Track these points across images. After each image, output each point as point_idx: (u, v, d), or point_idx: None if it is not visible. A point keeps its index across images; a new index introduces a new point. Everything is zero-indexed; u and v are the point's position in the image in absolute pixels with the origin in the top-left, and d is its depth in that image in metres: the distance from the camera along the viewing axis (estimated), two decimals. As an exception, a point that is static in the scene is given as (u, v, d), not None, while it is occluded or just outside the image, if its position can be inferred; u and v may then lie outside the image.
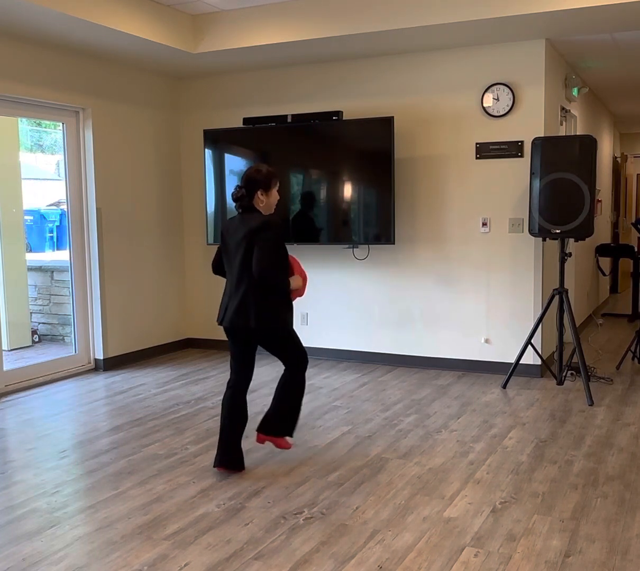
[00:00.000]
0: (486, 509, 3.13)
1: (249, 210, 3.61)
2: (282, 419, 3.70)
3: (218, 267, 3.78)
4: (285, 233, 5.88)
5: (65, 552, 2.78)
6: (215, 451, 3.89)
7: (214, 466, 3.60)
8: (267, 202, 3.63)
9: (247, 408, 3.74)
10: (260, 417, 4.52)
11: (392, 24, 4.91)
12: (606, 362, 6.01)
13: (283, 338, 3.61)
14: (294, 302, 5.18)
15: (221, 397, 5.02)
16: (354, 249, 5.99)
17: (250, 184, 3.58)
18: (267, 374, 5.68)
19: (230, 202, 6.13)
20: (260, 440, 3.74)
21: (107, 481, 3.52)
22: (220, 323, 3.62)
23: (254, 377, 5.59)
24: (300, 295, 3.69)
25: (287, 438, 3.93)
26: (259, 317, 3.46)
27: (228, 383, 3.67)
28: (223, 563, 2.69)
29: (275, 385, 5.30)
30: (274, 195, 3.67)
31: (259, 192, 3.59)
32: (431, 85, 5.63)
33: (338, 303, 6.12)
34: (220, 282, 6.64)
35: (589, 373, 5.48)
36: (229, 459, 3.58)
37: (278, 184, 3.70)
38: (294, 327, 6.31)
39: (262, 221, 3.51)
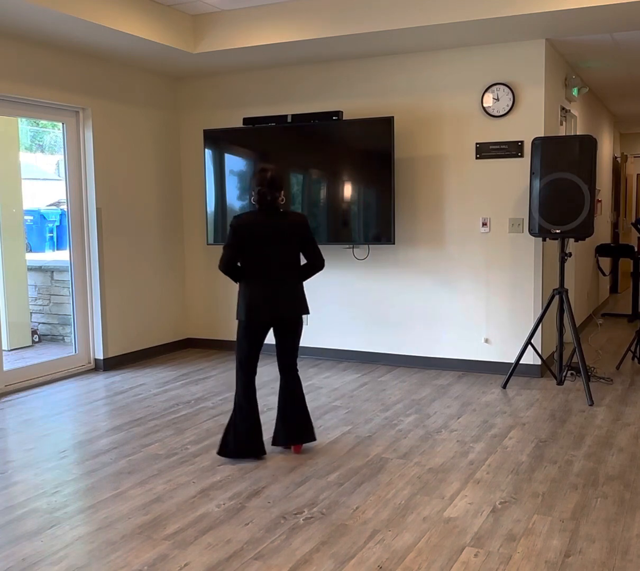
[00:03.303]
0: (486, 509, 3.13)
1: (273, 208, 3.74)
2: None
3: (233, 265, 3.74)
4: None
5: (65, 552, 2.78)
6: (215, 451, 3.90)
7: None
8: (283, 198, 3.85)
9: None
10: (260, 417, 4.52)
11: (392, 24, 4.91)
12: (606, 362, 6.01)
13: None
14: None
15: (221, 397, 5.03)
16: (354, 249, 5.99)
17: (277, 186, 3.73)
18: (266, 374, 5.68)
19: (230, 202, 6.13)
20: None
21: (107, 481, 3.52)
22: (264, 318, 3.72)
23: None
24: None
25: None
26: (304, 306, 3.82)
27: (248, 366, 3.84)
28: (223, 563, 2.69)
29: (275, 386, 5.30)
30: None
31: (282, 192, 3.78)
32: (431, 85, 5.63)
33: (338, 303, 6.12)
34: (221, 282, 6.64)
35: (589, 373, 5.48)
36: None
37: None
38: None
39: (304, 219, 3.78)
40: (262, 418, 4.51)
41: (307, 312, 3.83)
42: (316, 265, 3.83)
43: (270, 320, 3.73)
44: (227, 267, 3.71)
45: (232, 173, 6.13)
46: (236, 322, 6.59)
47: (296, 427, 3.86)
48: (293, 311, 3.75)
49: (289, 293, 3.75)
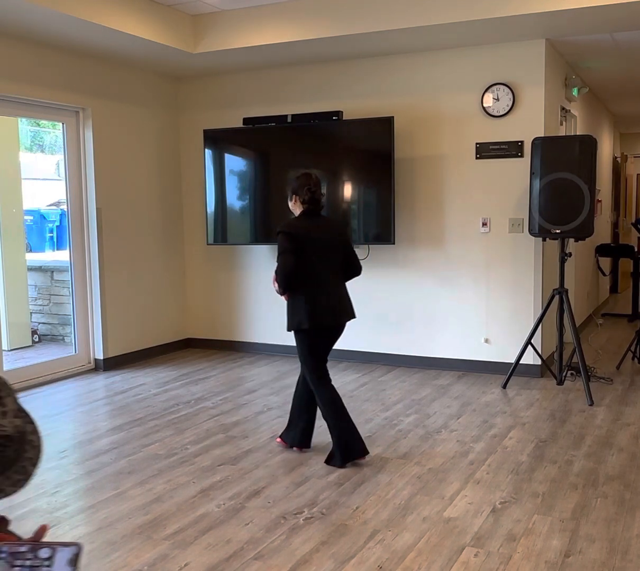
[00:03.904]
0: (486, 509, 3.13)
1: (318, 210, 3.79)
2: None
3: (296, 271, 3.64)
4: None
5: (65, 552, 2.78)
6: (217, 451, 3.90)
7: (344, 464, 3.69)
8: None
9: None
10: (260, 417, 4.53)
11: (392, 24, 4.90)
12: (606, 362, 6.01)
13: None
14: None
15: (221, 397, 5.03)
16: (354, 249, 5.98)
17: (321, 188, 3.80)
18: (267, 374, 5.68)
19: (230, 202, 6.13)
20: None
21: (107, 481, 3.52)
22: (328, 322, 3.69)
23: (254, 378, 5.59)
24: None
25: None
26: (354, 311, 3.85)
27: (322, 377, 3.74)
28: (223, 563, 2.69)
29: (275, 386, 5.31)
30: None
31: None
32: (431, 85, 5.63)
33: (338, 303, 6.11)
34: (220, 282, 6.64)
35: (589, 373, 5.48)
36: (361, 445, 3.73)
37: None
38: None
39: (345, 223, 3.88)
40: (264, 418, 4.52)
41: (355, 316, 3.86)
42: (357, 269, 3.88)
43: (333, 326, 3.72)
44: (292, 272, 3.59)
45: (232, 173, 6.13)
46: (236, 322, 6.59)
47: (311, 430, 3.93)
48: (349, 316, 3.78)
49: (345, 298, 3.78)
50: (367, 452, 3.72)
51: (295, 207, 3.79)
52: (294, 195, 3.76)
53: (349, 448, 3.66)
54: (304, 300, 3.64)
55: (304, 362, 3.75)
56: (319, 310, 3.65)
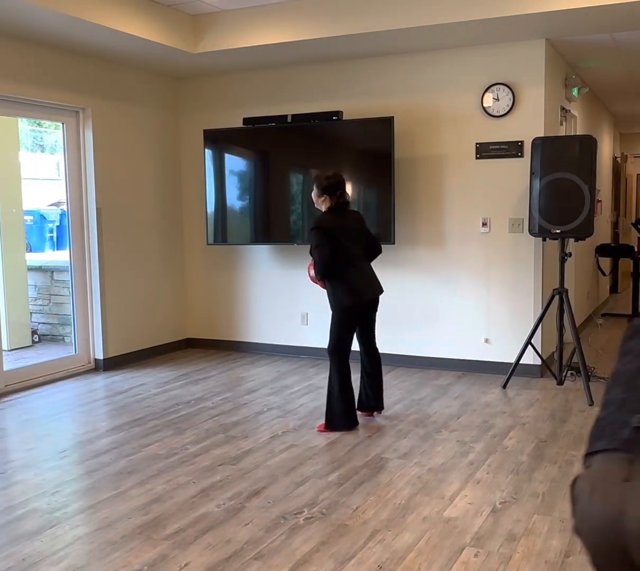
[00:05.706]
0: (486, 509, 3.13)
1: (346, 207, 4.27)
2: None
3: (333, 261, 4.14)
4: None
5: (65, 552, 2.78)
6: (217, 451, 3.90)
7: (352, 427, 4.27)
8: None
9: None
10: (260, 417, 4.53)
11: (392, 24, 4.90)
12: (606, 362, 6.01)
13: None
14: (294, 301, 6.04)
15: (221, 397, 5.03)
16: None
17: (345, 188, 4.29)
18: (267, 374, 5.68)
19: (230, 202, 6.13)
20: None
21: (107, 481, 3.52)
22: (369, 297, 4.23)
23: (254, 378, 5.60)
24: None
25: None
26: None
27: (346, 350, 4.23)
28: (223, 563, 2.69)
29: (275, 386, 5.31)
30: None
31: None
32: (431, 85, 5.63)
33: (338, 303, 6.11)
34: (220, 282, 6.64)
35: (589, 373, 5.48)
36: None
37: None
38: (294, 327, 6.33)
39: (362, 215, 4.42)
40: (264, 418, 4.52)
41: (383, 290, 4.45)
42: (379, 249, 4.42)
43: (373, 299, 4.26)
44: (329, 262, 4.09)
45: (232, 173, 6.13)
46: (236, 322, 6.59)
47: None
48: (382, 290, 4.36)
49: (375, 275, 4.35)
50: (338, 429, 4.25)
51: (322, 204, 4.25)
52: (324, 194, 4.20)
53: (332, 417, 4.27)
54: (347, 282, 4.16)
55: (337, 336, 4.20)
56: (360, 288, 4.19)
